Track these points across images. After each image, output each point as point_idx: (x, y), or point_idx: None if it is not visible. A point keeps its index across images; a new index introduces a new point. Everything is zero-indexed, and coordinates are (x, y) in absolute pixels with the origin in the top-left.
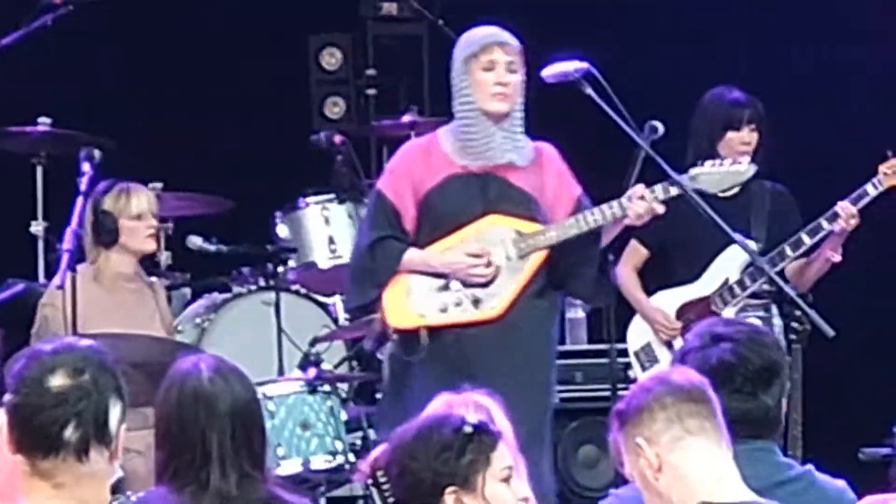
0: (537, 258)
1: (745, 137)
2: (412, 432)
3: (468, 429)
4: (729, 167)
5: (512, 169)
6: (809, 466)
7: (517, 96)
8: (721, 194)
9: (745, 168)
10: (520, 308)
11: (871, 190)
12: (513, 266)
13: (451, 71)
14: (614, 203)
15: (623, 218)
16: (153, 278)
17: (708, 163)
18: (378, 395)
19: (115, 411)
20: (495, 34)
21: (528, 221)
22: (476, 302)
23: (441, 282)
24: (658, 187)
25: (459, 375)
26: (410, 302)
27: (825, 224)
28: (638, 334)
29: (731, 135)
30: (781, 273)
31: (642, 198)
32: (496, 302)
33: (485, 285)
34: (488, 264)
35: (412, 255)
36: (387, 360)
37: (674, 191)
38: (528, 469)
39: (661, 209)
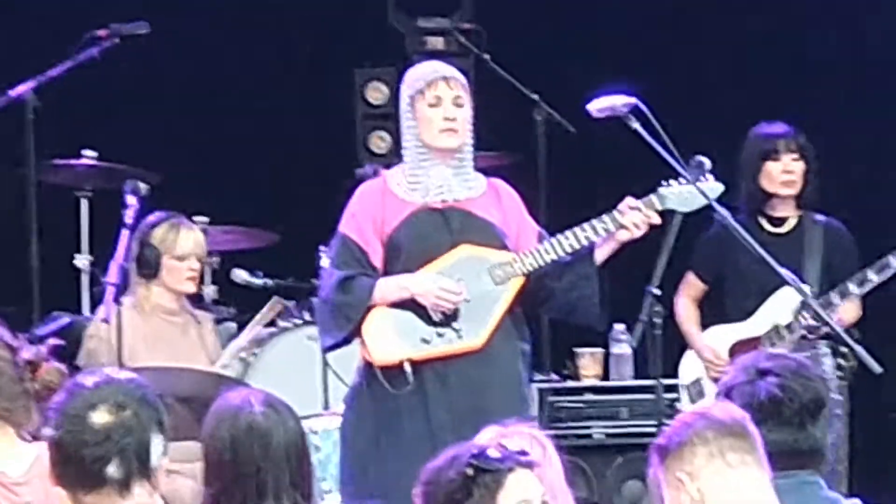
0: (514, 284)
1: (786, 166)
2: (427, 473)
3: (469, 470)
4: (695, 185)
5: (470, 201)
6: (856, 500)
7: (465, 131)
8: (774, 230)
9: (713, 185)
10: (498, 336)
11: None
12: (491, 294)
13: (398, 111)
14: (605, 217)
15: (616, 231)
16: (200, 312)
17: (675, 182)
18: None
19: (156, 446)
20: (440, 69)
21: (499, 249)
22: (458, 333)
23: (422, 314)
24: (652, 196)
25: (444, 406)
26: (392, 335)
27: (871, 275)
28: (690, 368)
29: (769, 165)
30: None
31: (635, 208)
32: (479, 331)
33: (454, 316)
34: (458, 294)
35: (384, 282)
36: (360, 397)
37: (664, 202)
38: None
39: (657, 219)
